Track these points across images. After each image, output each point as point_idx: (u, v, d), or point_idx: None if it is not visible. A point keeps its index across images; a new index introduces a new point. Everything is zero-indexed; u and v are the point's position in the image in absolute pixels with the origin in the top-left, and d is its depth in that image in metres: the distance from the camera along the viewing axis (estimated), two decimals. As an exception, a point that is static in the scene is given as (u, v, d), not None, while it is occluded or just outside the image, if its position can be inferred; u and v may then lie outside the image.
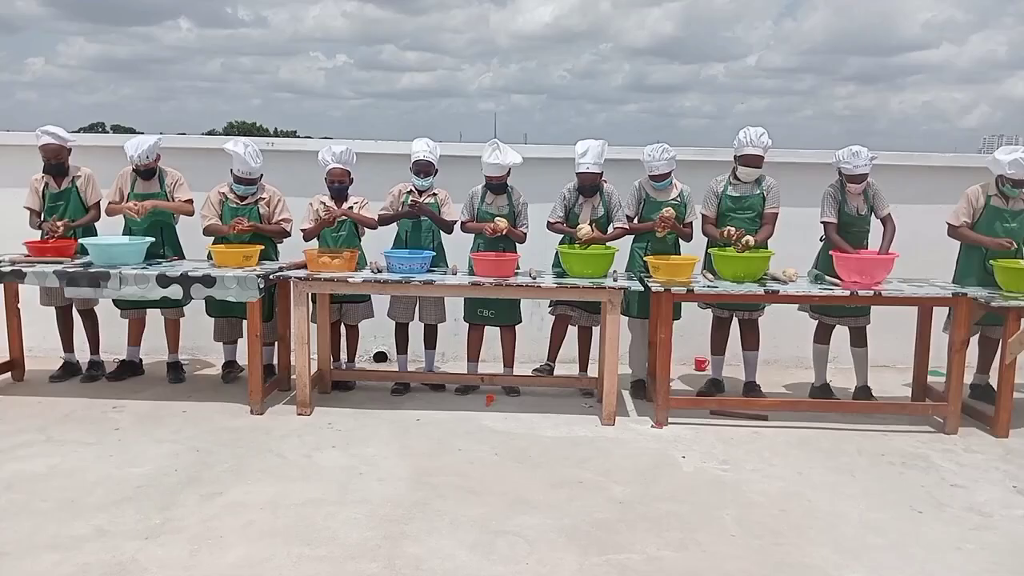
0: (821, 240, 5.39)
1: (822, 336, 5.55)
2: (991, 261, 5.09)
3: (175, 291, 4.86)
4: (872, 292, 4.78)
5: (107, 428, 4.69)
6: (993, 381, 5.18)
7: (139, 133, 5.76)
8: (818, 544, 3.46)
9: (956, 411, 4.88)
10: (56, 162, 5.38)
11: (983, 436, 4.87)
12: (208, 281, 4.84)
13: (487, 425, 4.88)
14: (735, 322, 5.55)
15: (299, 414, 4.98)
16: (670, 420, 4.95)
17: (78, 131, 5.74)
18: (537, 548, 3.36)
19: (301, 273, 4.94)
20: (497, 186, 5.33)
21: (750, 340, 5.52)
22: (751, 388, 5.50)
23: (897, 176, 5.97)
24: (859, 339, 5.47)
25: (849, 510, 3.80)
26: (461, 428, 4.81)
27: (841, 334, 5.51)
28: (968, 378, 5.39)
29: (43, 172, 5.45)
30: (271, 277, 4.95)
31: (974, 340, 5.25)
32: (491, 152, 5.25)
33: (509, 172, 5.33)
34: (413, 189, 5.38)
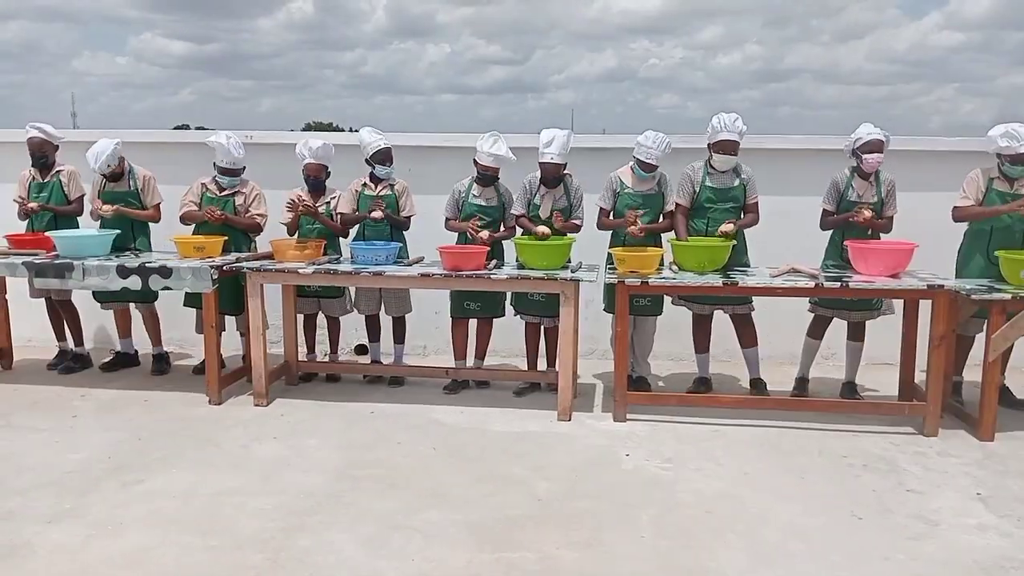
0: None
1: (815, 330, 5.28)
2: (996, 252, 4.72)
3: (134, 282, 4.94)
4: (839, 284, 4.50)
5: (66, 415, 4.81)
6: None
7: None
8: (733, 548, 3.26)
9: (935, 412, 4.54)
10: (40, 155, 5.56)
11: (967, 439, 4.53)
12: (165, 272, 4.90)
13: (436, 418, 4.80)
14: (728, 319, 5.29)
15: (255, 404, 5.01)
16: (631, 417, 4.78)
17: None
18: (431, 544, 3.27)
19: (254, 264, 4.95)
20: (488, 178, 5.19)
21: (746, 336, 5.23)
22: (756, 385, 5.26)
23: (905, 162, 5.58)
24: (856, 332, 5.18)
25: (781, 514, 3.58)
26: (409, 421, 4.75)
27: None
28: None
29: (31, 166, 5.65)
30: (224, 268, 4.97)
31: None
32: (493, 143, 5.13)
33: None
34: (367, 183, 5.34)
